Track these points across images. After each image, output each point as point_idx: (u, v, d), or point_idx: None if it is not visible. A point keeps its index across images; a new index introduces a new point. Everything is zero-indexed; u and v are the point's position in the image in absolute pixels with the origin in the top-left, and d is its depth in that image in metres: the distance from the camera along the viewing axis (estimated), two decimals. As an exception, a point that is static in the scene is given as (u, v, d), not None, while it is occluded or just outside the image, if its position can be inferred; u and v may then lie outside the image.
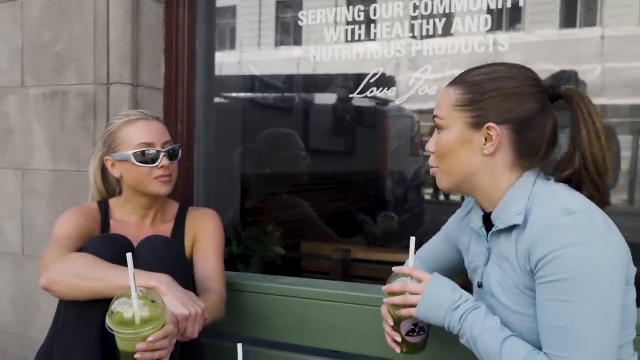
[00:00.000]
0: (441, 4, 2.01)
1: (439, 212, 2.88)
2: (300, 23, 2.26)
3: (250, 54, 2.87)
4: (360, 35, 2.14)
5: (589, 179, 1.17)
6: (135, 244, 1.58)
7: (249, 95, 3.00)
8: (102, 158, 1.73)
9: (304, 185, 2.87)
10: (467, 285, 1.35)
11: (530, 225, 1.13)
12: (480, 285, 1.28)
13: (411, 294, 1.26)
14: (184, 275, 1.57)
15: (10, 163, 2.34)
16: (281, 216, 2.75)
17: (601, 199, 1.18)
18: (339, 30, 2.17)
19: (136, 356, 1.24)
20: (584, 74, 2.10)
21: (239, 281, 1.92)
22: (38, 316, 2.27)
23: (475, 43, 1.98)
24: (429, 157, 1.30)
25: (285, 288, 1.87)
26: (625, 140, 2.26)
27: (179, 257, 1.61)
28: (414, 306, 1.25)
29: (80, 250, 1.52)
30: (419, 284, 1.25)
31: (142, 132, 1.65)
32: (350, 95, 2.30)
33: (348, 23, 2.15)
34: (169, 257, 1.55)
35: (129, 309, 1.23)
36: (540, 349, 1.12)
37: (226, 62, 2.76)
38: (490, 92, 1.17)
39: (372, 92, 2.15)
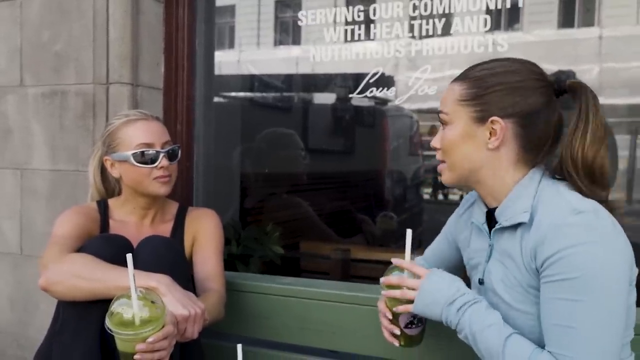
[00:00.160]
0: (440, 4, 2.01)
1: (438, 212, 2.88)
2: (299, 23, 2.26)
3: (250, 54, 2.87)
4: (359, 35, 2.14)
5: (583, 174, 1.15)
6: (135, 244, 1.57)
7: (248, 94, 3.00)
8: (102, 158, 1.73)
9: (303, 185, 2.87)
10: (466, 282, 1.35)
11: (537, 224, 1.13)
12: (481, 282, 1.28)
13: (408, 288, 1.26)
14: (184, 275, 1.57)
15: (9, 162, 2.33)
16: (280, 216, 2.75)
17: (597, 196, 1.17)
18: (338, 30, 2.17)
19: (136, 357, 1.23)
20: (582, 73, 2.11)
21: (238, 281, 1.92)
22: (37, 316, 2.27)
23: (474, 43, 1.99)
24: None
25: (284, 288, 1.87)
26: (622, 140, 2.26)
27: (179, 257, 1.61)
28: (411, 301, 1.25)
29: (80, 250, 1.52)
30: (415, 280, 1.26)
31: (141, 132, 1.65)
32: (350, 95, 2.30)
33: (347, 23, 2.15)
34: (169, 257, 1.54)
35: (128, 310, 1.22)
36: (541, 346, 1.12)
37: (225, 62, 2.76)
38: (493, 86, 1.18)
39: (371, 91, 2.15)
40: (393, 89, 2.17)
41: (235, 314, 1.88)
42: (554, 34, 2.19)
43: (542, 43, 2.16)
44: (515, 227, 1.18)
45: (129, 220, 1.73)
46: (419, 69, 2.07)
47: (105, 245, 1.52)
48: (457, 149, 1.22)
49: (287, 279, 1.96)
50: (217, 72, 2.50)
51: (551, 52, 2.16)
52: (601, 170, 1.15)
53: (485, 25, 1.97)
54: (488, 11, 1.96)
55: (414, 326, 1.32)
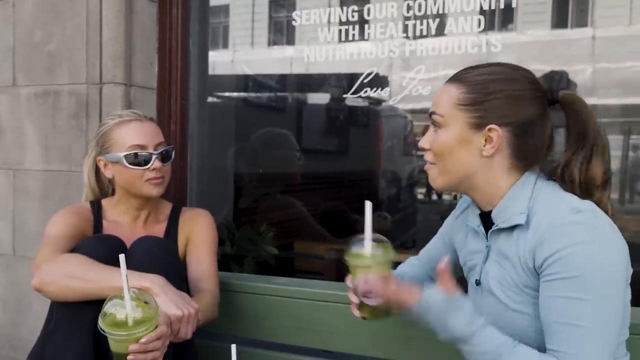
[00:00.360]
0: (434, 4, 2.02)
1: (432, 212, 2.89)
2: (293, 23, 2.26)
3: (244, 53, 2.87)
4: (353, 35, 2.14)
5: (582, 184, 1.17)
6: (128, 245, 1.57)
7: (242, 94, 2.99)
8: (96, 158, 1.73)
9: (297, 185, 2.87)
10: (463, 283, 1.36)
11: (536, 226, 1.13)
12: (478, 283, 1.28)
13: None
14: (177, 275, 1.57)
15: (2, 163, 2.32)
16: (274, 216, 2.75)
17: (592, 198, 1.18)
18: (333, 30, 2.17)
19: (129, 357, 1.23)
20: (575, 73, 2.12)
21: (232, 281, 1.92)
22: (29, 317, 2.26)
23: (468, 43, 1.99)
24: (422, 156, 1.29)
25: (278, 288, 1.87)
26: (615, 140, 2.27)
27: (172, 257, 1.61)
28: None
29: (73, 250, 1.51)
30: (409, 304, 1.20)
31: (134, 134, 1.64)
32: (344, 95, 2.30)
33: (341, 23, 2.15)
34: (162, 258, 1.54)
35: (121, 310, 1.22)
36: (535, 347, 1.13)
37: (219, 62, 2.76)
38: (494, 93, 1.17)
39: (365, 92, 2.15)
40: (387, 89, 2.17)
41: (229, 314, 1.88)
42: (548, 35, 2.19)
43: (535, 43, 2.17)
44: (512, 228, 1.18)
45: (123, 221, 1.73)
46: (413, 69, 2.07)
47: (99, 246, 1.52)
48: (450, 154, 1.21)
49: (281, 279, 1.96)
50: (211, 72, 2.50)
51: (544, 53, 2.16)
52: (600, 183, 1.17)
53: (479, 25, 1.98)
54: (482, 12, 1.97)
55: (370, 295, 1.29)
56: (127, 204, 1.71)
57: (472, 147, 1.19)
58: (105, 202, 1.75)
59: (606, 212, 1.14)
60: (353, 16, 2.13)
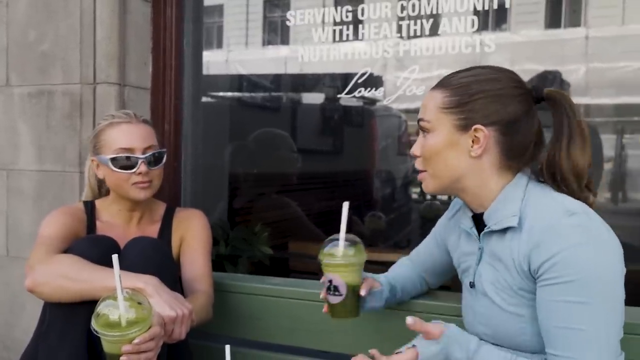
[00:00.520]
0: (428, 4, 2.02)
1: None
2: (288, 23, 2.26)
3: (238, 53, 2.87)
4: (347, 35, 2.14)
5: (567, 181, 1.17)
6: (122, 245, 1.56)
7: (237, 94, 2.99)
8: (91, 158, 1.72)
9: (291, 185, 2.87)
10: (457, 284, 1.36)
11: (529, 228, 1.13)
12: (472, 285, 1.28)
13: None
14: (171, 276, 1.57)
15: (-5, 163, 2.32)
16: (269, 216, 2.75)
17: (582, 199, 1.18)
18: (327, 30, 2.17)
19: (122, 358, 1.22)
20: (569, 73, 2.13)
21: (227, 282, 1.92)
22: (23, 317, 2.25)
23: (462, 43, 1.99)
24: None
25: (273, 288, 1.86)
26: (609, 139, 2.28)
27: (166, 258, 1.60)
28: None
29: (66, 251, 1.51)
30: (435, 329, 1.19)
31: (122, 136, 1.62)
32: (338, 95, 2.30)
33: (336, 23, 2.15)
34: (156, 258, 1.54)
35: (114, 311, 1.21)
36: (532, 350, 1.14)
37: (213, 61, 2.76)
38: (477, 93, 1.18)
39: (359, 92, 2.15)
40: (381, 89, 2.18)
41: (224, 314, 1.88)
42: (541, 35, 2.20)
43: (529, 43, 2.18)
44: (504, 230, 1.19)
45: (116, 221, 1.72)
46: (407, 69, 2.08)
47: (92, 247, 1.51)
48: (439, 157, 1.21)
49: (276, 280, 1.95)
50: (205, 71, 2.50)
51: (538, 53, 2.17)
52: (583, 176, 1.17)
53: (473, 25, 1.98)
54: (475, 12, 1.97)
55: (330, 293, 1.34)
56: (119, 205, 1.71)
57: (460, 149, 1.20)
58: (99, 203, 1.75)
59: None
60: (347, 16, 2.14)
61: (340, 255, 1.33)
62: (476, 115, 1.17)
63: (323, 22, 2.18)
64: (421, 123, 1.24)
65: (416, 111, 1.30)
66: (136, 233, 1.69)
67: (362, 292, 1.36)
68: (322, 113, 2.82)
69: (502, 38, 2.03)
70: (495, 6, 1.95)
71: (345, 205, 1.32)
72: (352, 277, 1.34)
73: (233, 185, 2.82)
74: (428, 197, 2.82)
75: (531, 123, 1.20)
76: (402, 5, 2.06)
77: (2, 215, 2.30)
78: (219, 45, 2.83)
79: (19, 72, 2.25)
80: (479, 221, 1.26)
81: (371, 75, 2.14)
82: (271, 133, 2.80)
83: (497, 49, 1.97)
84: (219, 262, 2.31)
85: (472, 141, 1.18)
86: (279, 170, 2.85)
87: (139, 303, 1.25)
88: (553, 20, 2.21)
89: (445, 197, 2.54)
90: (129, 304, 1.22)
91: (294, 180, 2.85)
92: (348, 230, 1.34)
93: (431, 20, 2.02)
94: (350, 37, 2.14)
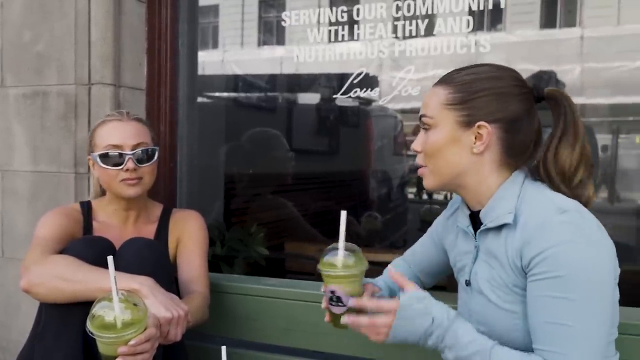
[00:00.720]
0: (423, 5, 2.02)
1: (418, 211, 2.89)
2: (283, 23, 2.26)
3: (233, 54, 2.87)
4: (343, 35, 2.14)
5: (562, 179, 1.19)
6: (118, 246, 1.56)
7: (232, 94, 2.99)
8: None
9: (287, 185, 2.87)
10: (453, 284, 1.36)
11: (523, 225, 1.14)
12: (468, 283, 1.29)
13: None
14: (167, 277, 1.57)
15: (-10, 164, 2.31)
16: (265, 216, 2.74)
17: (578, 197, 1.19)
18: (322, 30, 2.17)
19: None
20: (564, 73, 2.13)
21: (223, 282, 1.91)
22: (18, 319, 2.24)
23: (457, 43, 2.00)
24: (412, 156, 1.31)
25: (269, 289, 1.86)
26: (604, 139, 2.29)
27: (162, 258, 1.60)
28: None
29: (62, 252, 1.51)
30: (390, 305, 1.21)
31: (110, 133, 1.63)
32: (334, 96, 2.30)
33: (331, 23, 2.16)
34: (152, 259, 1.53)
35: (110, 312, 1.21)
36: (524, 346, 1.14)
37: (209, 62, 2.75)
38: (481, 90, 1.19)
39: (355, 92, 2.15)
40: (377, 89, 2.18)
41: (220, 315, 1.87)
42: (536, 35, 2.21)
43: (524, 43, 2.18)
44: (500, 227, 1.19)
45: (112, 222, 1.72)
46: (403, 69, 2.08)
47: (88, 247, 1.51)
48: (441, 153, 1.22)
49: (272, 280, 1.95)
50: (200, 72, 2.49)
51: (533, 53, 2.18)
52: (579, 174, 1.18)
53: (468, 26, 1.99)
54: (471, 12, 1.98)
55: (333, 304, 1.33)
56: (115, 205, 1.71)
57: (462, 145, 1.21)
58: (95, 203, 1.75)
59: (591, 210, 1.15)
60: (342, 17, 2.14)
61: (340, 265, 1.31)
62: (480, 112, 1.18)
63: (318, 22, 2.18)
64: (423, 119, 1.25)
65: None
66: (133, 233, 1.69)
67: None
68: (317, 113, 2.81)
69: (497, 38, 2.03)
70: (490, 6, 1.95)
71: (343, 214, 1.31)
72: (353, 287, 1.33)
73: (229, 186, 2.82)
74: (424, 196, 2.82)
75: (532, 122, 1.22)
76: (397, 5, 2.06)
77: (-3, 216, 2.29)
78: (215, 45, 2.82)
79: (14, 73, 2.24)
80: (475, 220, 1.27)
81: (367, 75, 2.14)
82: (263, 133, 2.80)
83: (492, 49, 1.97)
84: (215, 263, 2.31)
85: (475, 138, 1.19)
86: (275, 171, 2.85)
87: (135, 304, 1.24)
88: (548, 20, 2.22)
89: (441, 198, 2.55)
90: (124, 305, 1.22)
91: (290, 180, 2.84)
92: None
93: (426, 20, 2.03)
94: (346, 37, 2.14)
